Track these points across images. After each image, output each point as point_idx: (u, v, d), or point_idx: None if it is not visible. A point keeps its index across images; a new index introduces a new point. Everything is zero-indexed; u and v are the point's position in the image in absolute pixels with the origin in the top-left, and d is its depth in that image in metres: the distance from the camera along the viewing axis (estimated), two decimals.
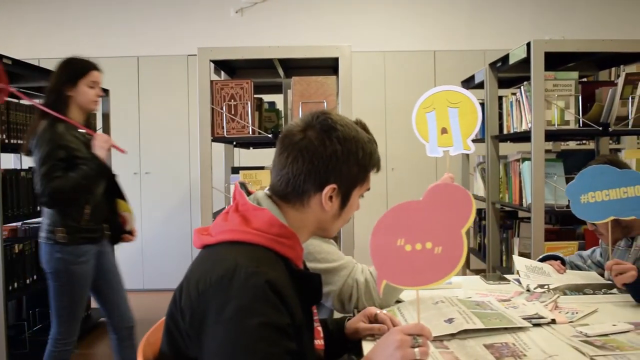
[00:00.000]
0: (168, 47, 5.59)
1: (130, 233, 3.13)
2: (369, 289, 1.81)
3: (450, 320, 1.64)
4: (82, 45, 5.81)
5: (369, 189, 1.47)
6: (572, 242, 3.37)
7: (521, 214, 3.83)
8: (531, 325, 1.63)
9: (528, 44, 3.25)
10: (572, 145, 5.62)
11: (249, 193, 1.39)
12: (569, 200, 2.15)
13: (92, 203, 2.82)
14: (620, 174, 2.04)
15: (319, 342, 1.43)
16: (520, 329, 1.62)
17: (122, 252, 5.34)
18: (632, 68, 5.22)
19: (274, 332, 1.14)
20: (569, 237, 3.43)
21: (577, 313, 1.79)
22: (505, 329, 1.61)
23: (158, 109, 5.72)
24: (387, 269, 1.30)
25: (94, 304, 4.74)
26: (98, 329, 4.52)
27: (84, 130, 2.89)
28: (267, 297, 1.15)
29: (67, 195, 2.65)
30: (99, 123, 4.70)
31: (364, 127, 1.81)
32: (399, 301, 1.91)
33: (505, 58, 3.65)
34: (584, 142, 5.12)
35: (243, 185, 1.40)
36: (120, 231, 3.08)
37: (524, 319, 1.68)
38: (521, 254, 3.55)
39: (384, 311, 1.65)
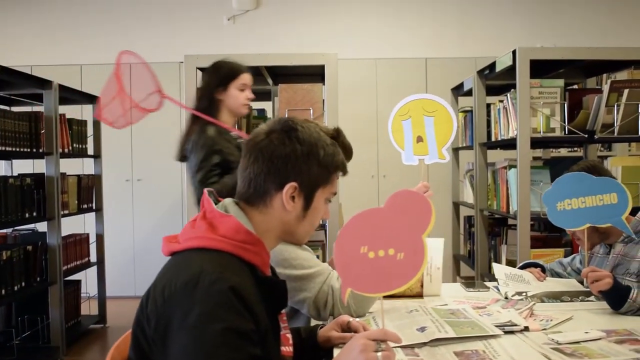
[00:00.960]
0: (160, 54, 5.59)
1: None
2: None
3: (422, 329, 1.64)
4: (75, 52, 5.84)
5: (335, 193, 1.48)
6: (559, 249, 3.38)
7: (510, 221, 3.84)
8: (502, 333, 1.63)
9: (514, 52, 3.26)
10: (563, 152, 5.64)
11: (218, 201, 1.40)
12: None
13: None
14: (596, 181, 2.05)
15: (287, 349, 1.43)
16: (491, 336, 1.62)
17: (114, 259, 5.38)
18: (623, 75, 5.24)
19: (237, 337, 1.15)
20: (556, 244, 3.44)
21: (551, 320, 1.79)
22: (477, 336, 1.61)
23: (150, 116, 5.71)
24: (351, 276, 1.31)
25: (84, 310, 4.76)
26: (88, 336, 4.52)
27: (235, 134, 2.83)
28: (231, 303, 1.16)
29: None
30: (89, 130, 4.72)
31: (340, 134, 1.83)
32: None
33: (493, 65, 3.67)
34: (575, 149, 5.14)
35: (212, 193, 1.41)
36: None
37: (496, 326, 1.68)
38: (508, 261, 3.56)
39: (357, 319, 1.65)
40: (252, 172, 1.36)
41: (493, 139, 3.86)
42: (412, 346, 1.56)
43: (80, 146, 4.56)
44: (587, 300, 2.05)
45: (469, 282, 2.42)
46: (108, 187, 5.29)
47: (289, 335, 1.46)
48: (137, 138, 5.80)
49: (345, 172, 1.48)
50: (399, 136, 1.99)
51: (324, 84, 3.27)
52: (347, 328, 1.61)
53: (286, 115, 3.20)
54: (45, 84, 3.97)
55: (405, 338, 1.60)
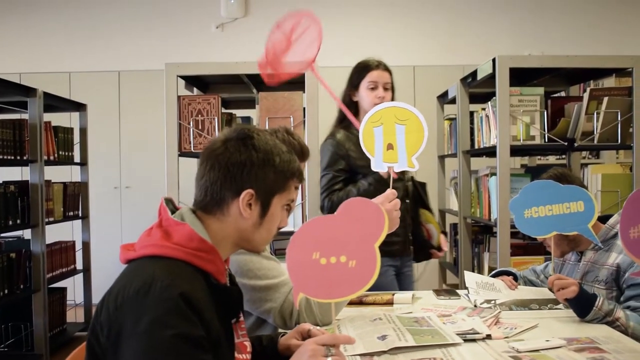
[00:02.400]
0: (149, 62, 5.62)
1: (439, 249, 2.80)
2: (309, 305, 1.81)
3: (383, 337, 1.64)
4: (63, 59, 5.85)
5: (293, 200, 1.48)
6: (539, 257, 3.37)
7: (494, 228, 3.84)
8: (462, 342, 1.63)
9: (494, 60, 3.27)
10: (552, 159, 5.66)
11: (176, 209, 1.40)
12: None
13: None
14: (563, 189, 2.05)
15: (244, 357, 1.43)
16: (451, 344, 1.62)
17: (102, 266, 5.36)
18: (610, 82, 5.26)
19: (187, 344, 1.16)
20: (537, 251, 3.43)
21: (515, 328, 1.79)
22: (436, 345, 1.61)
23: (139, 124, 5.75)
24: (303, 281, 1.34)
25: (70, 317, 4.75)
26: (74, 343, 4.50)
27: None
28: (181, 310, 1.17)
29: None
30: (76, 137, 4.73)
31: (291, 134, 1.84)
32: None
33: (475, 73, 3.67)
34: (562, 157, 5.14)
35: (170, 201, 1.42)
36: (425, 245, 2.80)
37: (458, 334, 1.68)
38: (490, 269, 3.56)
39: (319, 328, 1.65)
40: (209, 180, 1.36)
41: (476, 146, 3.87)
42: (371, 354, 1.56)
43: (66, 153, 4.56)
44: (555, 308, 2.06)
45: (441, 290, 2.42)
46: (96, 195, 5.30)
47: (247, 344, 1.46)
48: (126, 145, 5.81)
49: (301, 179, 1.49)
50: (370, 142, 1.99)
51: (300, 92, 3.27)
52: (308, 336, 1.61)
53: (267, 124, 3.21)
54: (29, 91, 3.98)
55: (365, 346, 1.60)
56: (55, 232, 4.56)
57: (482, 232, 4.03)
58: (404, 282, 2.74)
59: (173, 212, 1.38)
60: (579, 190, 2.05)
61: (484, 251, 3.79)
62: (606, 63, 3.36)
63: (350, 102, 2.78)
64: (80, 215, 4.76)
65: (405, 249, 2.75)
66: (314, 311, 1.81)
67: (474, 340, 1.68)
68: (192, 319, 1.18)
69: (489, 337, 1.70)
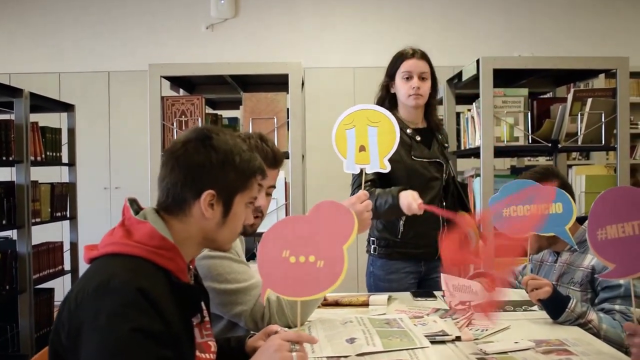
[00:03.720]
0: (139, 63, 5.61)
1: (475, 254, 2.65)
2: (281, 307, 1.81)
3: (352, 340, 1.64)
4: (53, 60, 5.85)
5: (256, 198, 1.48)
6: (525, 258, 3.36)
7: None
8: (429, 345, 1.63)
9: (477, 61, 3.27)
10: (542, 160, 5.66)
11: (141, 209, 1.40)
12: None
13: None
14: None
15: (208, 357, 1.43)
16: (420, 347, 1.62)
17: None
18: (600, 83, 5.26)
19: (145, 338, 1.17)
20: (522, 253, 3.42)
21: (486, 330, 1.79)
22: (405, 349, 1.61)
23: (128, 124, 5.74)
24: (272, 278, 1.37)
25: None
26: None
27: (411, 131, 2.61)
28: (139, 305, 1.19)
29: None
30: (64, 138, 4.71)
31: (265, 140, 1.83)
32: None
33: (461, 74, 3.67)
34: (550, 158, 5.14)
35: (134, 201, 1.42)
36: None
37: (427, 336, 1.68)
38: (476, 269, 3.55)
39: (287, 329, 1.65)
40: (170, 182, 1.37)
41: (463, 147, 3.86)
42: (338, 357, 1.56)
43: (54, 154, 4.55)
44: (530, 310, 2.05)
45: (418, 292, 2.41)
46: (85, 195, 5.28)
47: (212, 344, 1.46)
48: (115, 146, 5.80)
49: (264, 176, 1.49)
50: (342, 145, 1.99)
51: (284, 93, 3.26)
52: None
53: (250, 125, 3.21)
54: (16, 92, 3.96)
55: (333, 349, 1.60)
56: (43, 233, 4.55)
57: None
58: (434, 288, 2.50)
59: (138, 212, 1.39)
60: (558, 192, 2.04)
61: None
62: (590, 64, 3.36)
63: (387, 94, 2.71)
64: (68, 215, 4.74)
65: (435, 253, 2.55)
66: (285, 313, 1.80)
67: (443, 342, 1.68)
68: (151, 313, 1.19)
69: (458, 338, 1.70)
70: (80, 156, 4.93)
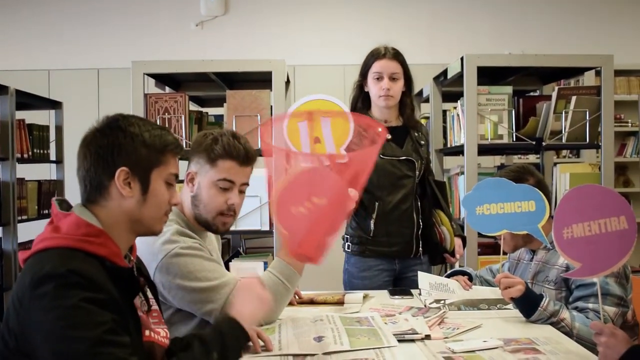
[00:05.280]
0: (129, 60, 5.58)
1: (452, 254, 2.69)
2: None
3: (319, 338, 1.64)
4: (42, 57, 5.81)
5: (175, 174, 1.46)
6: (504, 256, 3.36)
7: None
8: (397, 344, 1.62)
9: (462, 58, 3.26)
10: (532, 158, 5.64)
11: (70, 206, 1.41)
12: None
13: (380, 212, 2.55)
14: (516, 188, 2.04)
15: (158, 338, 1.41)
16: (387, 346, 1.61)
17: None
18: (590, 80, 5.24)
19: (94, 305, 1.20)
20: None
21: (457, 329, 1.78)
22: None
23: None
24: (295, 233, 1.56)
25: None
26: None
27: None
28: (77, 281, 1.21)
29: None
30: (52, 136, 4.70)
31: (236, 137, 1.82)
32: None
33: (446, 72, 3.66)
34: (537, 156, 5.14)
35: (64, 201, 1.42)
36: (437, 249, 2.67)
37: (396, 334, 1.67)
38: (460, 267, 3.55)
39: (255, 327, 1.64)
40: (84, 169, 1.38)
41: (449, 145, 3.86)
42: (304, 355, 1.55)
43: (41, 151, 4.54)
44: (505, 308, 2.05)
45: (395, 290, 2.40)
46: (75, 193, 5.25)
47: (161, 330, 1.45)
48: None
49: (179, 151, 1.47)
50: (296, 138, 1.96)
51: (268, 90, 3.25)
52: None
53: (234, 122, 3.19)
54: (1, 89, 3.95)
55: (300, 347, 1.60)
56: (31, 230, 4.52)
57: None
58: (410, 287, 2.48)
59: (68, 210, 1.39)
60: (531, 190, 2.04)
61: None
62: (575, 62, 3.36)
63: (361, 93, 2.71)
64: None
65: (408, 252, 2.60)
66: None
67: (412, 340, 1.67)
68: (87, 286, 1.21)
69: (428, 337, 1.69)
70: (70, 153, 4.90)
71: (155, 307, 1.46)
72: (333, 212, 1.52)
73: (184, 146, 3.22)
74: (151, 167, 1.40)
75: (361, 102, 2.71)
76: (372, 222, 2.55)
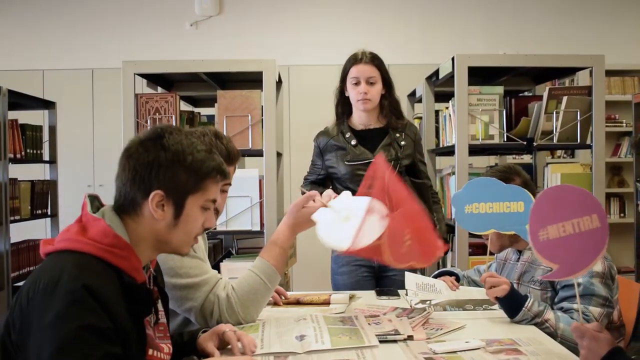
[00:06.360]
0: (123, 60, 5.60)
1: None
2: (231, 305, 1.80)
3: (301, 337, 1.63)
4: (37, 57, 5.81)
5: (214, 200, 1.46)
6: (492, 257, 3.35)
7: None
8: (378, 344, 1.61)
9: (453, 58, 3.26)
10: (527, 159, 5.64)
11: (102, 205, 1.41)
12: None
13: None
14: (505, 188, 2.04)
15: (160, 356, 1.42)
16: (368, 347, 1.61)
17: None
18: (585, 80, 5.23)
19: (92, 335, 1.18)
20: None
21: (441, 329, 1.78)
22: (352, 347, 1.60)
23: (112, 121, 5.70)
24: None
25: None
26: None
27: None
28: (85, 301, 1.19)
29: None
30: (45, 136, 4.69)
31: (220, 137, 1.82)
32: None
33: (438, 72, 3.66)
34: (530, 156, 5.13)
35: (96, 197, 1.43)
36: None
37: (379, 335, 1.67)
38: (452, 267, 3.54)
39: (236, 329, 1.64)
40: (121, 181, 1.37)
41: (441, 145, 3.85)
42: (285, 354, 1.55)
43: (34, 152, 4.53)
44: (490, 309, 2.04)
45: (382, 290, 2.40)
46: (69, 193, 5.27)
47: (165, 345, 1.45)
48: (99, 143, 5.77)
49: (224, 177, 1.46)
50: None
51: (259, 90, 3.24)
52: (223, 338, 1.60)
53: (225, 122, 3.19)
54: None
55: (282, 345, 1.60)
56: (24, 231, 4.54)
57: (448, 231, 4.01)
58: (390, 285, 2.57)
59: (99, 209, 1.39)
60: (520, 190, 2.04)
61: (448, 250, 3.77)
62: (565, 62, 3.36)
63: (342, 98, 2.78)
64: (49, 213, 4.73)
65: None
66: (235, 310, 1.80)
67: (394, 341, 1.67)
68: (97, 310, 1.20)
69: (410, 338, 1.69)
70: (64, 154, 4.91)
71: (163, 320, 1.46)
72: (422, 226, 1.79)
73: None
74: (188, 192, 1.38)
75: (342, 107, 2.79)
76: None
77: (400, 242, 1.73)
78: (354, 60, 2.70)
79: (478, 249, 3.41)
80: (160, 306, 1.48)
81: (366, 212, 1.74)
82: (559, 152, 5.80)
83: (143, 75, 3.46)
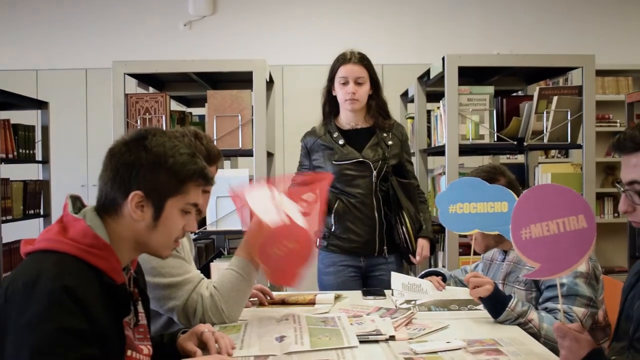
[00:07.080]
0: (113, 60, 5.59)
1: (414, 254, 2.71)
2: (214, 304, 1.80)
3: (281, 338, 1.63)
4: (28, 56, 5.81)
5: (195, 204, 1.45)
6: (479, 257, 3.35)
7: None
8: (358, 344, 1.61)
9: (443, 58, 3.25)
10: (521, 159, 5.64)
11: (84, 207, 1.41)
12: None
13: (340, 209, 2.64)
14: (489, 188, 2.04)
15: (140, 357, 1.41)
16: (348, 347, 1.60)
17: None
18: (578, 80, 5.23)
19: (69, 337, 1.19)
20: None
21: (424, 329, 1.78)
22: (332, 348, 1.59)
23: (105, 121, 5.67)
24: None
25: None
26: None
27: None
28: (63, 303, 1.19)
29: None
30: (38, 135, 4.69)
31: (200, 137, 1.81)
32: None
33: (429, 72, 3.66)
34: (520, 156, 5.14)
35: (78, 198, 1.42)
36: (400, 249, 2.71)
37: (359, 335, 1.66)
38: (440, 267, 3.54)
39: (215, 330, 1.63)
40: (103, 181, 1.38)
41: (433, 145, 3.85)
42: (266, 355, 1.54)
43: (27, 151, 4.53)
44: (475, 309, 2.04)
45: (368, 290, 2.40)
46: (62, 193, 5.23)
47: (144, 346, 1.45)
48: (93, 143, 5.77)
49: (207, 181, 1.46)
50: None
51: (249, 90, 3.24)
52: (202, 338, 1.59)
53: (215, 122, 3.18)
54: None
55: (261, 347, 1.59)
56: (16, 231, 4.52)
57: (439, 231, 4.00)
58: (377, 285, 2.58)
59: (81, 209, 1.39)
60: (504, 190, 2.03)
61: (439, 250, 3.77)
62: (556, 62, 3.36)
63: (329, 98, 2.79)
64: (41, 213, 4.73)
65: (370, 250, 2.67)
66: (219, 309, 1.79)
67: (376, 341, 1.66)
68: (75, 311, 1.20)
69: (392, 338, 1.68)
70: (58, 154, 4.90)
71: (143, 322, 1.46)
72: (301, 251, 1.76)
73: None
74: (168, 195, 1.38)
75: (329, 106, 2.80)
76: (331, 217, 2.66)
77: (271, 246, 1.77)
78: (342, 60, 2.71)
79: (468, 248, 3.39)
80: (140, 308, 1.48)
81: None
82: (552, 152, 5.80)
83: (133, 75, 3.44)
